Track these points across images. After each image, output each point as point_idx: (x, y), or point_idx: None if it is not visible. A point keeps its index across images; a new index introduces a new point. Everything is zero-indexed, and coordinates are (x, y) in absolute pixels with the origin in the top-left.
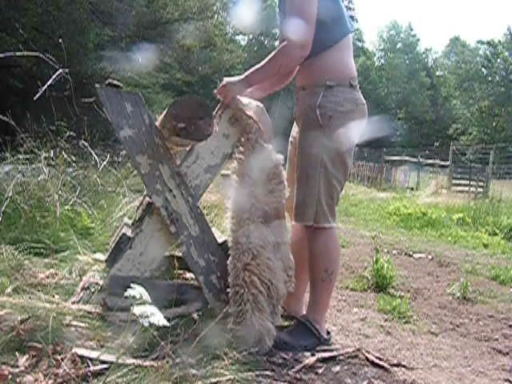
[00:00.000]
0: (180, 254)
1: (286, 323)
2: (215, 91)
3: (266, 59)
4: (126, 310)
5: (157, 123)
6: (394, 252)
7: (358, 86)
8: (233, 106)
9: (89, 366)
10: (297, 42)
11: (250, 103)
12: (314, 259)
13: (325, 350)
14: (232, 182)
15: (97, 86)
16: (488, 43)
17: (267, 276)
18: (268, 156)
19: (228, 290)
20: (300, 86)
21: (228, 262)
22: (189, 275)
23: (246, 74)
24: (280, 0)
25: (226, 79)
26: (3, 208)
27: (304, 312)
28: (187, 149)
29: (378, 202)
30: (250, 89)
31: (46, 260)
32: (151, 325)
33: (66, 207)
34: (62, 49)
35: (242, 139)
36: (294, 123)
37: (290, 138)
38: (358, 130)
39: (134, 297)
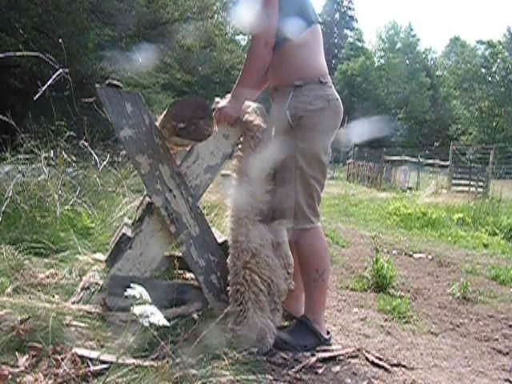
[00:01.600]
0: (180, 254)
1: (286, 323)
2: (215, 120)
3: (242, 69)
4: (126, 310)
5: (157, 123)
6: (394, 252)
7: (329, 82)
8: (242, 125)
9: (89, 366)
10: (259, 40)
11: (249, 105)
12: (304, 260)
13: (325, 350)
14: (232, 181)
15: (97, 86)
16: (488, 43)
17: (267, 274)
18: (271, 156)
19: (228, 289)
20: (272, 86)
21: (228, 261)
22: (189, 275)
23: (232, 92)
24: None
25: (218, 105)
26: (3, 208)
27: (303, 312)
28: (187, 149)
29: (378, 201)
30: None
31: (46, 260)
32: (151, 325)
33: (66, 207)
34: (62, 49)
35: (246, 138)
36: None
37: None
38: (331, 126)
39: (133, 297)
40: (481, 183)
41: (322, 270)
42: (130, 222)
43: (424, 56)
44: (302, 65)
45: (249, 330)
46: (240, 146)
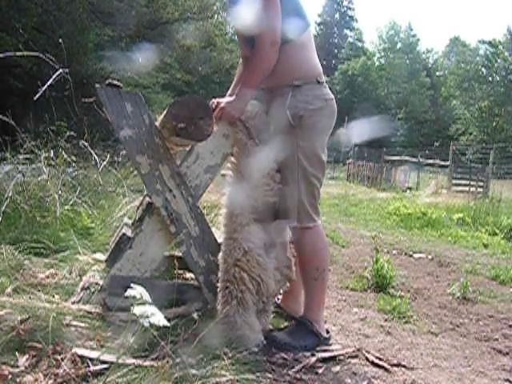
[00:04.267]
0: (180, 254)
1: (286, 323)
2: (214, 115)
3: (247, 71)
4: (126, 310)
5: (157, 123)
6: (394, 252)
7: (324, 82)
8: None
9: (89, 366)
10: (266, 40)
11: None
12: (304, 259)
13: (325, 350)
14: (227, 179)
15: (97, 86)
16: (490, 43)
17: (257, 272)
18: (267, 155)
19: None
20: (267, 87)
21: (219, 257)
22: (189, 275)
23: (237, 92)
24: None
25: (223, 103)
26: (3, 208)
27: (302, 312)
28: (187, 149)
29: (378, 201)
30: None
31: (46, 260)
32: (151, 325)
33: (66, 207)
34: (62, 49)
35: (242, 137)
36: None
37: None
38: (329, 125)
39: (134, 297)
40: (481, 183)
41: (322, 269)
42: (129, 221)
43: (424, 56)
44: (301, 65)
45: (229, 326)
46: (236, 145)
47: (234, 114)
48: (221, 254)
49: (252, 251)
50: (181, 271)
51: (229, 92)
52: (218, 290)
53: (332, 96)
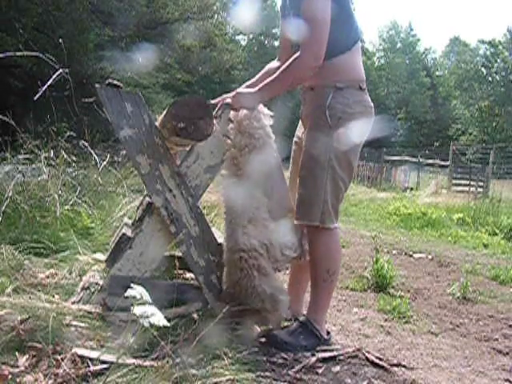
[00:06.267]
0: (180, 254)
1: (286, 323)
2: (228, 100)
3: (279, 72)
4: (126, 310)
5: (157, 123)
6: (394, 252)
7: (366, 89)
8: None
9: (89, 366)
10: (310, 54)
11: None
12: (316, 259)
13: (325, 350)
14: (225, 178)
15: (97, 86)
16: (489, 43)
17: (265, 236)
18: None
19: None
20: (308, 86)
21: (225, 228)
22: (189, 275)
23: (259, 87)
24: (285, 5)
25: (239, 90)
26: (3, 208)
27: (304, 312)
28: (187, 149)
29: (378, 201)
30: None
31: (46, 260)
32: (151, 325)
33: (66, 207)
34: (62, 49)
35: (243, 138)
36: (300, 123)
37: (295, 138)
38: (364, 132)
39: (134, 297)
40: (481, 183)
41: (333, 271)
42: (130, 221)
43: (424, 56)
44: (345, 69)
45: (258, 299)
46: (238, 145)
47: (246, 105)
48: (226, 224)
49: (258, 216)
50: (181, 271)
51: (247, 83)
52: (228, 262)
53: (371, 104)
